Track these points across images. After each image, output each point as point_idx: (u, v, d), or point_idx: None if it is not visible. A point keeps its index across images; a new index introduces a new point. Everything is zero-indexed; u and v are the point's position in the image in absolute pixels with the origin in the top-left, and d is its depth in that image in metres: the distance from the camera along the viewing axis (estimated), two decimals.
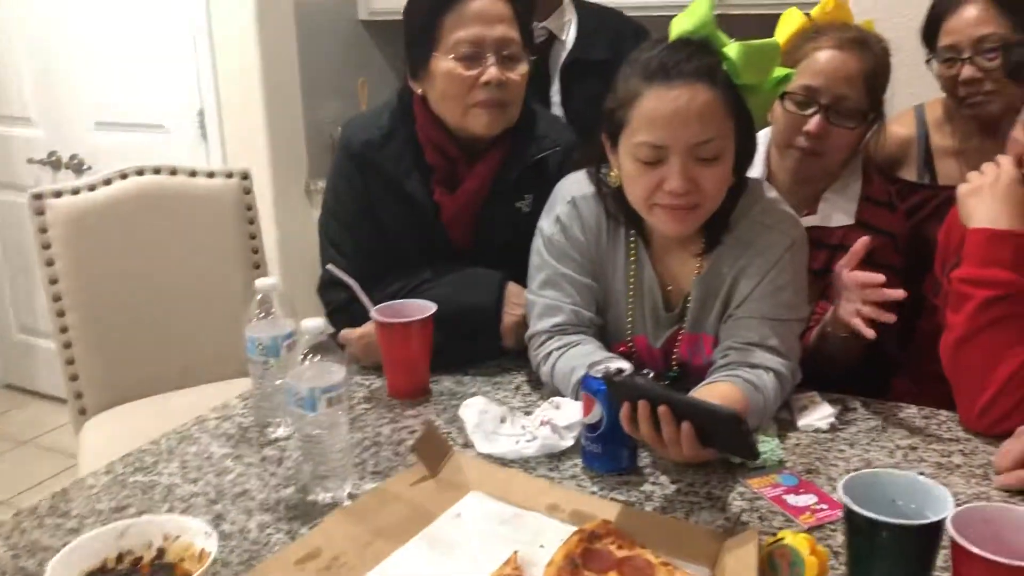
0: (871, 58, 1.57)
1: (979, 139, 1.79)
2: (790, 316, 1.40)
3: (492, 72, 1.52)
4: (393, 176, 1.61)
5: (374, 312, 1.47)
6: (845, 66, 1.56)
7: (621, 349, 1.50)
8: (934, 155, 1.89)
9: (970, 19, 1.71)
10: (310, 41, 3.15)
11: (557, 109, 2.06)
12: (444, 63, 1.53)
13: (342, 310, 1.61)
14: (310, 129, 3.18)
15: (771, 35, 1.65)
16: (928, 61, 1.80)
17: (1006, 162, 1.35)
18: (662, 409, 1.12)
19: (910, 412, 1.42)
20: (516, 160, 1.62)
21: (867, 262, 1.59)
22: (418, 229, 1.63)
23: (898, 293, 1.36)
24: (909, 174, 1.90)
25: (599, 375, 1.19)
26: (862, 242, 1.42)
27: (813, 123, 1.56)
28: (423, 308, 1.47)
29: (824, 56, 1.56)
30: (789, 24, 1.65)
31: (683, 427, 1.12)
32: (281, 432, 1.36)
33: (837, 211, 1.64)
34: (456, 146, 1.60)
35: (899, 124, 1.91)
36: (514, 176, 1.62)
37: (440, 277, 1.59)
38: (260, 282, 1.35)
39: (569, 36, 2.08)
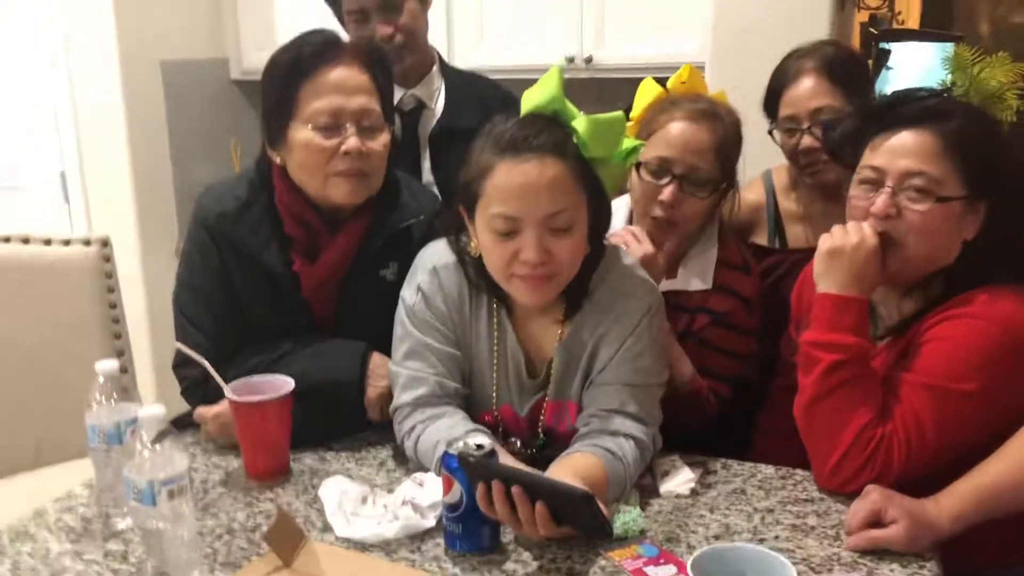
0: (721, 129, 1.62)
1: (823, 204, 1.87)
2: (649, 381, 1.42)
3: (352, 142, 1.50)
4: (250, 248, 1.57)
5: (228, 391, 1.41)
6: (696, 138, 1.61)
7: (487, 418, 1.49)
8: (783, 220, 1.97)
9: (806, 91, 1.80)
10: (179, 102, 3.08)
11: (427, 176, 2.06)
12: (302, 133, 1.51)
13: (197, 387, 1.55)
14: (180, 191, 3.10)
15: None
16: (770, 131, 1.88)
17: (869, 231, 1.37)
18: (515, 490, 1.11)
19: (768, 473, 1.45)
20: (379, 229, 1.60)
21: (722, 324, 1.66)
22: (277, 302, 1.59)
23: None
24: (761, 238, 1.98)
25: (456, 453, 1.17)
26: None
27: (667, 193, 1.61)
28: (281, 384, 1.43)
29: (677, 128, 1.61)
30: (646, 94, 1.70)
31: (537, 507, 1.11)
32: (127, 523, 1.29)
33: (695, 276, 1.68)
34: (317, 216, 1.57)
35: (749, 190, 1.98)
36: (377, 245, 1.60)
37: (301, 350, 1.55)
38: (100, 365, 1.28)
39: (438, 104, 2.09)
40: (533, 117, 1.35)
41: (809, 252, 1.77)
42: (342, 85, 1.50)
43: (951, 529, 1.22)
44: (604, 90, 2.90)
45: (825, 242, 1.41)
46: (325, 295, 1.60)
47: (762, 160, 2.04)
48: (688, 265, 1.69)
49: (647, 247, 1.57)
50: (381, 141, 1.55)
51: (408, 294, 1.47)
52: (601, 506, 1.14)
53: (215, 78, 3.23)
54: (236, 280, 1.59)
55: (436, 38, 3.03)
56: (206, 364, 1.42)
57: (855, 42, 4.17)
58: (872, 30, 4.17)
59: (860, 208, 1.40)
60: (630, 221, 1.73)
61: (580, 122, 1.33)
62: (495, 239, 1.32)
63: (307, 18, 2.03)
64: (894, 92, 1.49)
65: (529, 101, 1.37)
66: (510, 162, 1.30)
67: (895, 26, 4.94)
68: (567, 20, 2.92)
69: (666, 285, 1.65)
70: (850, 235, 1.38)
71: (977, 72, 3.72)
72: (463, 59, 3.05)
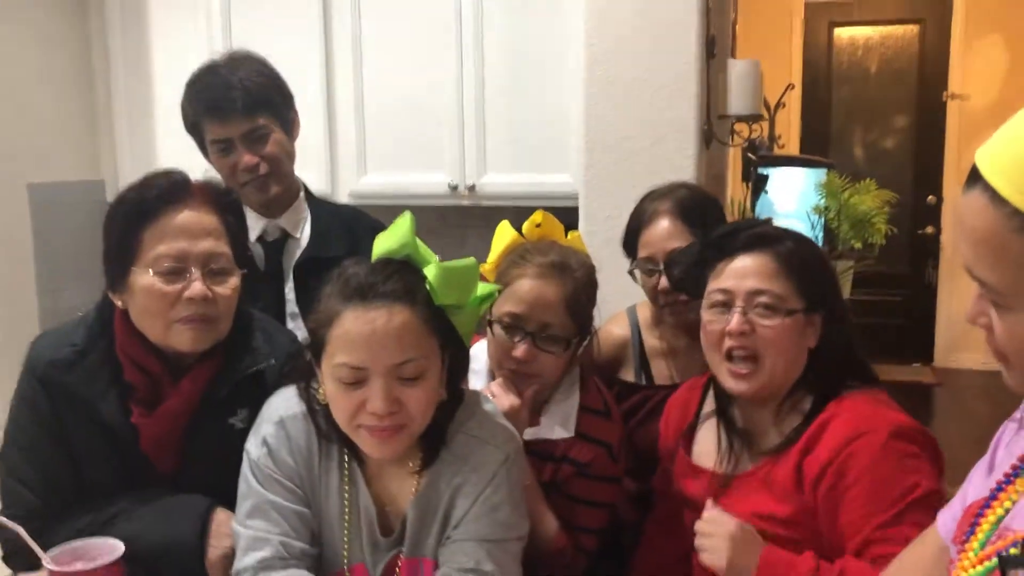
0: (571, 283, 1.61)
1: (686, 339, 1.88)
2: (507, 536, 1.36)
3: (196, 288, 1.43)
4: (85, 398, 1.47)
5: (46, 560, 1.29)
6: (545, 295, 1.59)
7: None
8: (648, 356, 1.98)
9: (662, 233, 1.84)
10: (48, 225, 2.97)
11: (292, 307, 2.00)
12: (144, 278, 1.43)
13: (20, 551, 1.41)
14: (45, 321, 2.95)
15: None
16: (630, 271, 1.91)
17: (723, 518, 1.40)
18: None
19: None
20: (228, 374, 1.52)
21: (585, 475, 1.62)
22: (115, 455, 1.48)
23: None
24: (628, 374, 1.98)
25: None
26: None
27: (520, 350, 1.58)
28: (109, 549, 1.31)
29: (526, 285, 1.59)
30: (502, 239, 1.69)
31: None
32: None
33: (557, 423, 1.65)
34: (160, 362, 1.48)
35: (615, 324, 2.00)
36: (224, 392, 1.51)
37: (136, 508, 1.44)
38: None
39: (304, 234, 2.05)
40: (383, 262, 1.32)
41: (674, 388, 1.78)
42: (188, 228, 1.44)
43: None
44: (491, 217, 2.93)
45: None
46: (167, 447, 1.49)
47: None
48: (550, 412, 1.66)
49: (512, 399, 1.55)
50: (230, 285, 1.48)
51: (253, 447, 1.39)
52: None
53: (89, 200, 3.13)
54: (70, 434, 1.47)
55: (319, 165, 3.05)
56: (21, 531, 1.30)
57: (735, 167, 4.37)
58: (751, 155, 4.37)
59: (715, 330, 1.48)
60: (492, 376, 1.70)
61: (431, 269, 1.30)
62: (341, 389, 1.27)
63: (188, 139, 2.00)
64: (728, 224, 1.61)
65: (380, 246, 1.34)
66: (357, 309, 1.26)
67: (776, 150, 5.21)
68: (451, 148, 2.95)
69: (529, 433, 1.62)
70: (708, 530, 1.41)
71: (847, 198, 3.94)
72: (346, 186, 3.05)
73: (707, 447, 1.58)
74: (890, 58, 6.28)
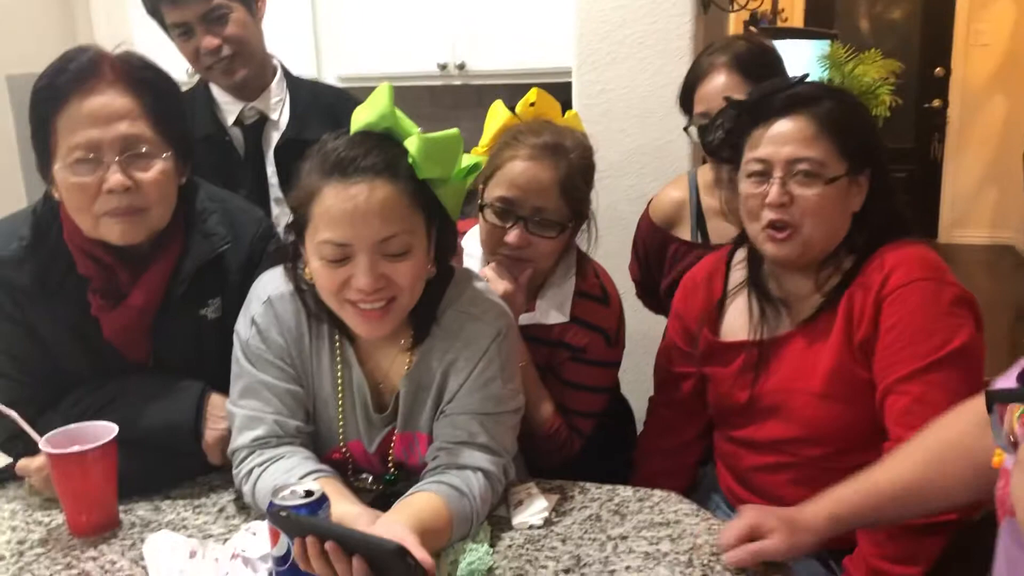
0: (566, 165, 1.54)
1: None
2: (501, 409, 1.36)
3: (115, 179, 1.33)
4: (41, 293, 1.42)
5: (42, 443, 1.30)
6: (539, 177, 1.52)
7: (336, 456, 1.41)
8: (705, 216, 1.97)
9: (718, 87, 1.80)
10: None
11: (276, 192, 1.96)
12: (61, 173, 1.35)
13: (15, 438, 1.42)
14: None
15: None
16: (686, 128, 1.87)
17: None
18: (330, 545, 1.03)
19: (626, 495, 1.40)
20: (186, 264, 1.46)
21: (581, 360, 1.61)
22: (83, 348, 1.44)
23: None
24: (684, 233, 1.99)
25: (276, 505, 1.09)
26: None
27: (513, 236, 1.53)
28: (103, 432, 1.31)
29: (518, 167, 1.53)
30: (495, 120, 1.63)
31: (354, 563, 1.04)
32: None
33: (553, 308, 1.62)
34: (111, 253, 1.41)
35: (674, 187, 2.02)
36: (185, 283, 1.46)
37: (131, 392, 1.43)
38: None
39: (282, 116, 2.00)
40: (362, 136, 1.27)
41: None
42: (98, 114, 1.33)
43: (829, 529, 1.20)
44: (484, 97, 2.85)
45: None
46: (134, 340, 1.46)
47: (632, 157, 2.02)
48: (545, 297, 1.63)
49: (507, 284, 1.53)
50: (155, 170, 1.38)
51: (242, 328, 1.38)
52: (420, 553, 1.06)
53: None
54: (36, 327, 1.44)
55: (304, 49, 2.96)
56: (14, 415, 1.30)
57: None
58: (752, 28, 4.24)
59: (753, 201, 1.42)
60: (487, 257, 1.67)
61: (412, 141, 1.26)
62: (325, 266, 1.24)
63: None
64: (761, 85, 1.50)
65: (359, 119, 1.29)
66: (337, 185, 1.22)
67: (779, 23, 5.05)
68: (439, 27, 2.86)
69: (524, 319, 1.60)
70: None
71: (851, 69, 3.82)
72: (332, 68, 2.97)
73: (739, 322, 1.53)
74: None
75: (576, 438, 1.63)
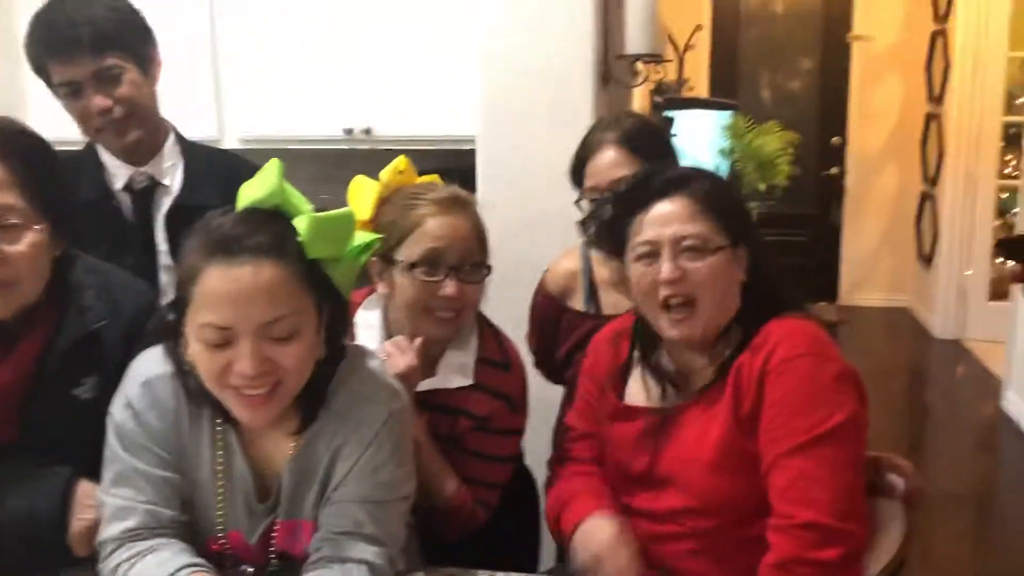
0: (473, 212, 1.59)
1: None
2: (390, 496, 1.31)
3: None
4: None
5: None
6: (458, 227, 1.55)
7: (214, 547, 1.33)
8: (598, 287, 1.98)
9: (607, 162, 1.83)
10: None
11: (165, 259, 1.89)
12: None
13: None
14: None
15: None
16: (577, 202, 1.89)
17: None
18: None
19: None
20: (59, 341, 1.39)
21: (485, 429, 1.58)
22: None
23: None
24: (577, 304, 2.00)
25: None
26: None
27: (450, 287, 1.53)
28: None
29: (435, 223, 1.54)
30: (366, 191, 1.60)
31: None
32: None
33: (454, 372, 1.60)
34: None
35: (568, 258, 2.04)
36: (57, 360, 1.38)
37: None
38: None
39: (175, 181, 1.93)
40: (249, 213, 1.23)
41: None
42: None
43: None
44: (390, 160, 2.83)
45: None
46: (3, 419, 1.37)
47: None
48: (447, 362, 1.61)
49: (409, 359, 1.50)
50: (26, 242, 1.31)
51: (117, 410, 1.30)
52: None
53: None
54: None
55: (206, 111, 2.90)
56: None
57: (643, 110, 4.33)
58: (657, 99, 4.35)
59: (646, 281, 1.44)
60: (386, 324, 1.64)
61: (302, 220, 1.22)
62: (206, 350, 1.18)
63: None
64: (637, 174, 1.55)
65: (246, 196, 1.25)
66: (221, 265, 1.17)
67: (685, 93, 5.20)
68: (345, 91, 2.83)
69: (425, 384, 1.57)
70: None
71: (752, 140, 3.96)
72: (233, 131, 2.91)
73: (641, 388, 1.54)
74: (796, 0, 6.32)
75: (482, 510, 1.59)
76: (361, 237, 1.30)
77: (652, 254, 1.43)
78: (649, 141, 1.86)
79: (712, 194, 1.45)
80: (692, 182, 1.45)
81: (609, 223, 1.51)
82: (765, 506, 1.37)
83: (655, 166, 1.54)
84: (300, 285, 1.20)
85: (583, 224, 1.73)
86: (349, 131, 2.83)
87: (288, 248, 1.20)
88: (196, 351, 1.20)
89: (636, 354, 1.56)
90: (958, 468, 3.95)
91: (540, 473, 1.87)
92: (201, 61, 2.87)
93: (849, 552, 1.29)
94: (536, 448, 1.95)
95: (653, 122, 2.04)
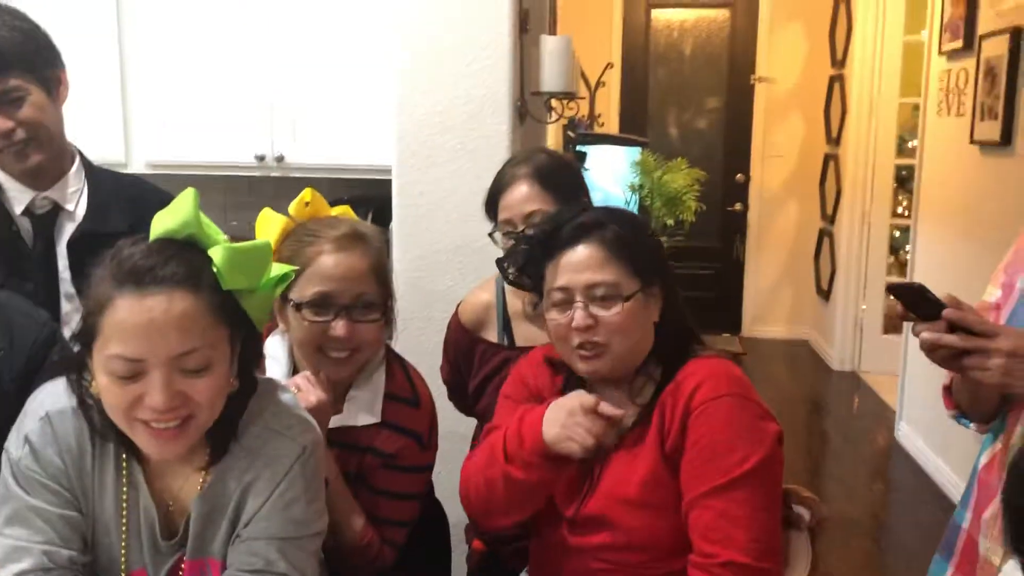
0: (374, 251, 1.57)
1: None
2: (302, 533, 1.29)
3: None
4: None
5: None
6: (354, 266, 1.52)
7: None
8: (511, 319, 2.00)
9: (520, 197, 1.87)
10: None
11: (67, 286, 1.82)
12: None
13: None
14: None
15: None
16: (491, 234, 1.93)
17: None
18: None
19: None
20: None
21: (392, 467, 1.57)
22: None
23: None
24: (491, 335, 2.01)
25: None
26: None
27: (340, 327, 1.50)
28: None
29: (330, 261, 1.51)
30: (271, 225, 1.59)
31: None
32: None
33: (362, 410, 1.58)
34: None
35: (483, 290, 2.05)
36: None
37: None
38: None
39: (79, 207, 1.87)
40: (163, 243, 1.20)
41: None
42: None
43: None
44: (295, 188, 2.80)
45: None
46: None
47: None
48: (354, 399, 1.59)
49: (319, 394, 1.48)
50: None
51: (13, 447, 1.24)
52: None
53: None
54: None
55: (112, 133, 2.82)
56: None
57: (556, 145, 4.41)
58: (570, 133, 4.43)
59: (560, 327, 1.46)
60: (292, 357, 1.61)
61: (217, 251, 1.20)
62: (114, 383, 1.15)
63: None
64: (548, 219, 1.58)
65: (160, 226, 1.22)
66: (132, 296, 1.14)
67: (596, 128, 5.31)
68: (257, 118, 2.80)
69: (332, 421, 1.54)
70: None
71: (660, 176, 4.06)
72: (142, 155, 2.84)
73: None
74: (703, 41, 6.53)
75: (389, 549, 1.57)
76: (277, 269, 1.28)
77: (566, 301, 1.45)
78: (561, 177, 1.90)
79: (622, 239, 1.46)
80: (603, 227, 1.47)
81: (525, 264, 1.54)
82: (687, 544, 1.40)
83: (567, 210, 1.54)
84: (214, 317, 1.18)
85: (501, 263, 1.75)
86: (261, 158, 2.80)
87: (202, 279, 1.18)
88: (103, 384, 1.16)
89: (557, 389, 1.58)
90: (854, 494, 4.11)
91: (451, 507, 1.87)
92: (108, 82, 2.81)
93: None
94: (448, 483, 1.94)
95: (565, 158, 2.08)
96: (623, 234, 1.47)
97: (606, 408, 1.38)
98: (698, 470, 1.39)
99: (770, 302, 6.73)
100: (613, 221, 1.49)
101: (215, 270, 1.19)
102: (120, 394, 1.15)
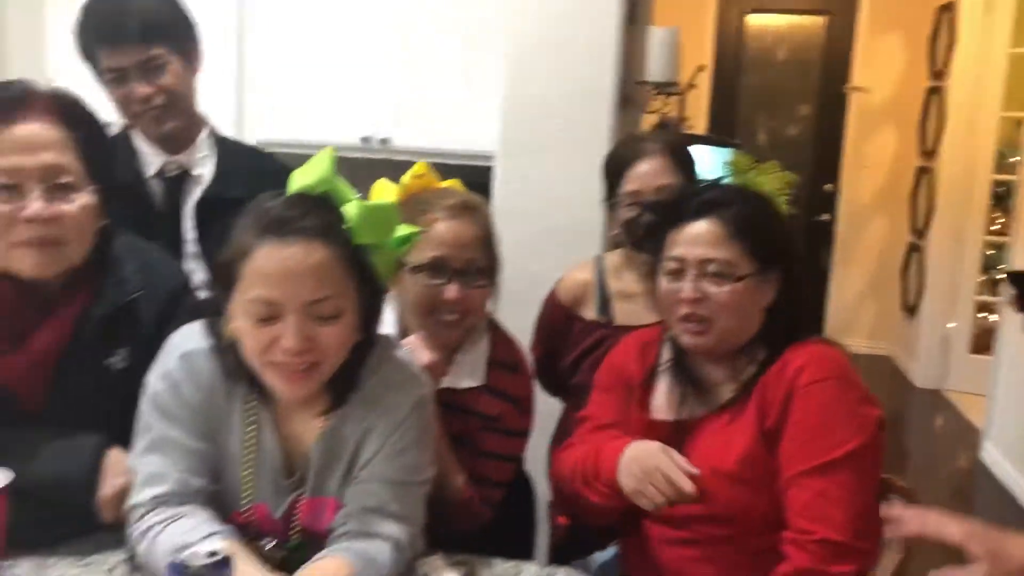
0: (483, 218, 1.64)
1: (650, 284, 1.91)
2: (414, 479, 1.36)
3: (35, 207, 1.31)
4: None
5: None
6: (464, 233, 1.60)
7: (238, 519, 1.36)
8: (611, 298, 2.05)
9: (653, 170, 1.91)
10: None
11: (192, 247, 1.93)
12: None
13: None
14: None
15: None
16: (610, 203, 1.97)
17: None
18: None
19: (532, 572, 1.41)
20: (97, 308, 1.42)
21: (493, 429, 1.63)
22: None
23: None
24: (589, 314, 2.06)
25: (180, 563, 1.05)
26: None
27: (452, 291, 1.57)
28: None
29: (442, 228, 1.59)
30: (386, 195, 1.65)
31: None
32: None
33: (467, 373, 1.65)
34: (15, 290, 1.37)
35: (580, 270, 2.10)
36: (93, 329, 1.42)
37: (22, 442, 1.36)
38: None
39: (206, 173, 1.98)
40: (300, 197, 1.28)
41: (635, 329, 1.80)
42: (24, 142, 1.31)
43: None
44: (400, 172, 2.89)
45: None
46: (33, 384, 1.40)
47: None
48: (459, 362, 1.66)
49: (432, 355, 1.56)
50: (78, 203, 1.36)
51: (154, 381, 1.34)
52: None
53: None
54: None
55: (226, 110, 2.95)
56: None
57: None
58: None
59: (669, 295, 1.50)
60: (401, 319, 1.69)
61: (351, 207, 1.28)
62: (253, 324, 1.23)
63: (82, 73, 1.90)
64: (677, 189, 1.65)
65: (297, 181, 1.30)
66: (273, 244, 1.22)
67: (684, 130, 5.31)
68: (366, 100, 2.90)
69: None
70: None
71: (752, 178, 4.04)
72: (254, 134, 2.96)
73: (664, 401, 1.59)
74: (797, 48, 6.46)
75: (487, 508, 1.64)
76: (404, 229, 1.36)
77: (678, 271, 1.49)
78: (689, 156, 1.96)
79: (746, 219, 1.48)
80: (727, 206, 1.49)
81: (649, 230, 1.59)
82: (776, 520, 1.42)
83: (696, 183, 1.59)
84: (345, 269, 1.26)
85: (627, 227, 1.80)
86: (367, 139, 2.89)
87: (337, 233, 1.25)
88: (242, 326, 1.25)
89: (664, 362, 1.61)
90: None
91: (537, 478, 1.93)
92: (226, 62, 2.93)
93: (861, 569, 1.35)
94: (533, 455, 2.00)
95: (690, 138, 2.11)
96: (748, 215, 1.49)
97: (684, 484, 1.38)
98: (798, 449, 1.41)
99: (853, 315, 6.61)
100: (741, 201, 1.51)
101: (348, 225, 1.26)
102: (258, 336, 1.23)
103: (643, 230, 1.61)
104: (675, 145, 1.96)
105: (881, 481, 1.55)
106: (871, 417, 1.43)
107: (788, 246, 1.56)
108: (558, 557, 1.87)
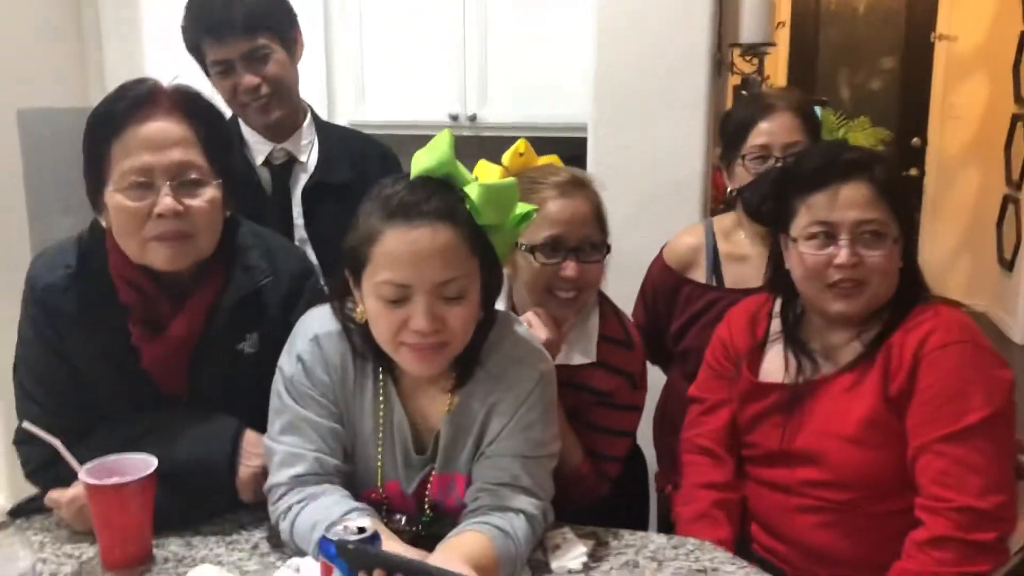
0: (593, 193, 1.63)
1: (761, 247, 1.92)
2: (541, 453, 1.37)
3: (166, 203, 1.36)
4: (83, 321, 1.42)
5: (83, 473, 1.28)
6: (578, 210, 1.59)
7: (372, 496, 1.40)
8: (722, 261, 2.04)
9: (783, 126, 1.90)
10: (38, 153, 2.89)
11: (301, 232, 1.98)
12: (114, 197, 1.37)
13: (45, 468, 1.42)
14: (39, 248, 2.88)
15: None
16: (731, 160, 1.96)
17: None
18: None
19: (660, 543, 1.42)
20: (228, 295, 1.47)
21: (607, 404, 1.64)
22: (119, 377, 1.44)
23: None
24: (699, 277, 2.06)
25: (335, 538, 1.09)
26: None
27: (570, 268, 1.57)
28: (142, 464, 1.30)
29: (555, 206, 1.58)
30: (489, 175, 1.65)
31: None
32: None
33: (577, 350, 1.65)
34: (153, 283, 1.43)
35: (689, 234, 2.10)
36: (226, 315, 1.47)
37: (164, 427, 1.43)
38: None
39: (311, 159, 2.02)
40: (423, 181, 1.29)
41: (745, 292, 1.81)
42: (153, 140, 1.36)
43: None
44: (494, 149, 2.90)
45: None
46: (172, 371, 1.46)
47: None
48: (570, 339, 1.66)
49: (548, 331, 1.56)
50: (205, 197, 1.41)
51: (287, 364, 1.38)
52: None
53: (79, 126, 3.05)
54: (73, 356, 1.44)
55: (316, 93, 2.99)
56: (57, 444, 1.29)
57: (728, 104, 4.34)
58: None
59: (816, 261, 1.47)
60: (510, 298, 1.70)
61: (473, 188, 1.29)
62: (384, 306, 1.26)
63: (177, 67, 1.94)
64: (815, 151, 1.61)
65: (419, 164, 1.32)
66: (400, 228, 1.24)
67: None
68: (451, 78, 2.91)
69: None
70: None
71: (842, 135, 3.94)
72: (343, 116, 3.01)
73: (777, 365, 1.58)
74: None
75: (604, 482, 1.65)
76: (522, 208, 1.36)
77: (829, 235, 1.46)
78: (816, 119, 1.95)
79: (891, 180, 1.47)
80: (872, 168, 1.47)
81: (775, 197, 1.56)
82: (900, 484, 1.40)
83: (833, 144, 1.56)
84: (469, 249, 1.27)
85: (742, 192, 1.78)
86: (455, 117, 2.90)
87: (459, 214, 1.27)
88: (373, 309, 1.28)
89: (775, 332, 1.60)
90: None
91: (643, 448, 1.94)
92: (314, 46, 2.97)
93: (1002, 535, 1.32)
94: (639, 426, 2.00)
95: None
96: (887, 176, 1.47)
97: None
98: (930, 415, 1.39)
99: (946, 272, 6.41)
100: (879, 162, 1.49)
101: (470, 206, 1.28)
102: (389, 317, 1.26)
103: (763, 199, 1.58)
104: (803, 104, 1.95)
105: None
106: (1005, 380, 1.40)
107: (912, 211, 1.54)
108: (667, 526, 1.88)
